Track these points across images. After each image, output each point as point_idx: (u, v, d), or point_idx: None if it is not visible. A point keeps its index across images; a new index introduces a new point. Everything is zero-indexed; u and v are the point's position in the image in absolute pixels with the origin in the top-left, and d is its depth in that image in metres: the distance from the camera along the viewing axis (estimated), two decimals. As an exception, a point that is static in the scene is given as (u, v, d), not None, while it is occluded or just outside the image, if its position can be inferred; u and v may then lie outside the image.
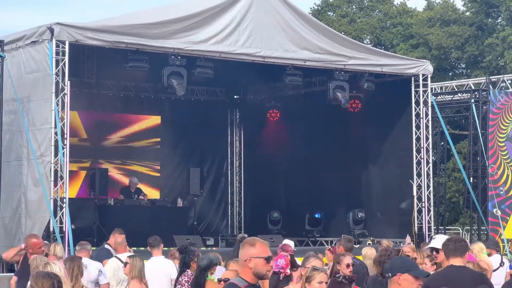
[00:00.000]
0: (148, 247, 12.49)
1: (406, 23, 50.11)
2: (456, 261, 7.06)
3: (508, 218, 24.63)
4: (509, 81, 28.46)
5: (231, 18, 21.15)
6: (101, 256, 13.12)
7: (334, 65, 22.84)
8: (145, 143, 27.49)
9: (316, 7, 53.73)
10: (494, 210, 24.25)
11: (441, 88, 29.23)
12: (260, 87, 28.44)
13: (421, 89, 24.25)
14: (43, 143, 18.09)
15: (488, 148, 25.87)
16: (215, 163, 29.12)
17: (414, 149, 24.32)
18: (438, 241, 8.33)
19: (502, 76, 30.44)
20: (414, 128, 24.42)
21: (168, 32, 20.03)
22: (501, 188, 25.12)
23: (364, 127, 26.50)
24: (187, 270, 10.37)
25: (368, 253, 12.70)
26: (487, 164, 26.04)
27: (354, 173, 27.05)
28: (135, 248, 14.77)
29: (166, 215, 24.95)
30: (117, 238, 13.27)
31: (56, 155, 17.62)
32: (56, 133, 17.52)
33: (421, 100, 24.15)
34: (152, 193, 25.92)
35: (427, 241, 20.19)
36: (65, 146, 17.59)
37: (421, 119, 24.28)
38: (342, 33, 35.50)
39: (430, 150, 25.04)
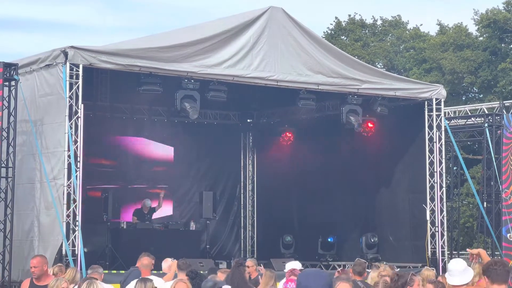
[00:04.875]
0: (176, 269, 12.55)
1: (419, 47, 50.44)
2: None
3: (521, 242, 24.82)
4: (523, 106, 28.35)
5: (245, 42, 21.29)
6: (134, 278, 12.49)
7: (347, 89, 23.08)
8: (158, 166, 27.98)
9: (329, 31, 54.58)
10: (508, 235, 24.55)
11: (455, 112, 29.61)
12: (273, 111, 28.90)
13: (434, 113, 24.43)
14: (56, 166, 18.47)
15: (502, 172, 26.13)
16: (228, 186, 29.56)
17: (428, 173, 24.35)
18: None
19: (516, 100, 30.28)
20: (427, 153, 24.47)
21: (182, 55, 20.28)
22: (515, 213, 25.29)
23: (377, 151, 26.69)
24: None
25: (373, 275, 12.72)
26: (501, 189, 26.26)
27: (367, 197, 27.24)
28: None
29: (179, 238, 25.27)
30: (143, 260, 13.25)
31: (69, 178, 17.87)
32: (69, 156, 17.84)
33: (435, 125, 24.31)
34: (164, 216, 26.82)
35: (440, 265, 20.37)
36: (78, 169, 17.96)
37: (435, 144, 24.34)
38: (356, 57, 35.94)
39: (444, 175, 25.03)
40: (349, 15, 55.57)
